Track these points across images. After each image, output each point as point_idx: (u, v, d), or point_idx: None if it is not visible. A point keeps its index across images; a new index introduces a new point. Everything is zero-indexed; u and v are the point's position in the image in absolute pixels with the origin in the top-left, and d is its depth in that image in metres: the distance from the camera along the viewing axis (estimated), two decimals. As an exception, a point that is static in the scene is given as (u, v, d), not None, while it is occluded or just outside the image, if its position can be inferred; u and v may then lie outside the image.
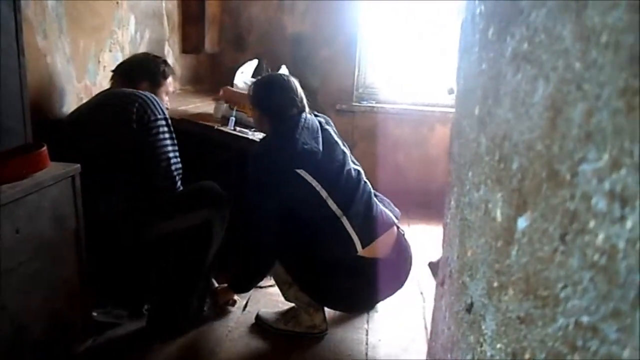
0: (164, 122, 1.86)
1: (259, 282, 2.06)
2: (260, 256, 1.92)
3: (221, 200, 1.91)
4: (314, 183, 1.82)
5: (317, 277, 1.87)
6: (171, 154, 1.87)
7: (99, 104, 1.88)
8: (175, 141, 1.90)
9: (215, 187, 1.92)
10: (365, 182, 1.96)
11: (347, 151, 2.01)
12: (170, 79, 2.11)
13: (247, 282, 2.00)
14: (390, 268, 1.91)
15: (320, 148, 1.88)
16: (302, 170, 1.83)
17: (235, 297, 2.10)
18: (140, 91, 1.88)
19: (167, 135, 1.86)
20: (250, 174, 1.89)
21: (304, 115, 1.94)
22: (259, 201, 1.87)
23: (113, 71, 2.05)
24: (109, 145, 1.79)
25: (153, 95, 1.90)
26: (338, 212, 1.83)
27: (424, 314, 2.17)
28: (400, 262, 1.98)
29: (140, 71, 2.01)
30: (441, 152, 3.48)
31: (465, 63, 0.89)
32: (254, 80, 2.14)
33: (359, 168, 1.99)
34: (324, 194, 1.82)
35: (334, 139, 1.99)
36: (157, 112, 1.84)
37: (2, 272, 1.23)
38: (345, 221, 1.83)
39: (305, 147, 1.84)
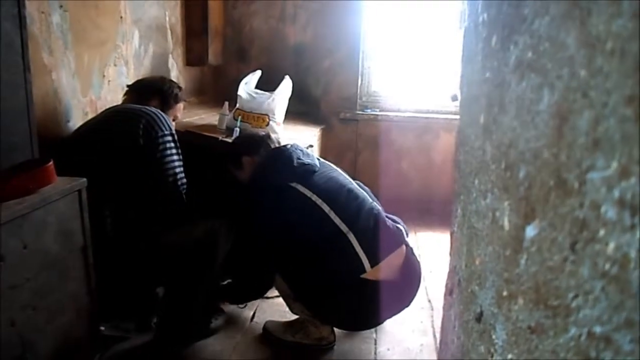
0: (170, 138, 1.86)
1: (254, 299, 2.11)
2: (258, 276, 1.94)
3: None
4: (314, 197, 1.79)
5: (319, 298, 1.82)
6: (177, 170, 1.88)
7: (106, 120, 1.89)
8: (181, 156, 1.91)
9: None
10: (372, 200, 1.92)
11: (349, 178, 2.01)
12: (180, 105, 2.15)
13: (243, 298, 2.06)
14: (396, 290, 1.83)
15: (317, 164, 1.89)
16: (297, 184, 1.82)
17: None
18: (148, 107, 1.90)
19: (174, 151, 1.87)
20: (248, 197, 1.90)
21: (292, 143, 2.00)
22: (258, 222, 1.86)
23: (128, 86, 2.10)
24: (116, 162, 1.79)
25: (160, 111, 1.91)
26: (344, 227, 1.76)
27: (432, 323, 2.16)
28: (406, 284, 1.89)
29: (153, 89, 2.05)
30: (446, 159, 3.48)
31: (469, 71, 0.89)
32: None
33: (365, 190, 1.98)
34: (325, 207, 1.78)
35: (332, 166, 2.01)
36: (164, 128, 1.84)
37: (10, 287, 1.23)
38: (352, 238, 1.75)
39: (299, 160, 1.85)
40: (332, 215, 1.78)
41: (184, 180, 1.91)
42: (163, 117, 1.88)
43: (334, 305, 1.82)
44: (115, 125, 1.84)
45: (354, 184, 1.96)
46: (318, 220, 1.78)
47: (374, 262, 1.77)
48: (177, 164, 1.88)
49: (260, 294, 2.06)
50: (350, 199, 1.85)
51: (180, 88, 2.13)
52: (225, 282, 2.16)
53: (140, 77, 2.54)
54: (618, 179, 0.39)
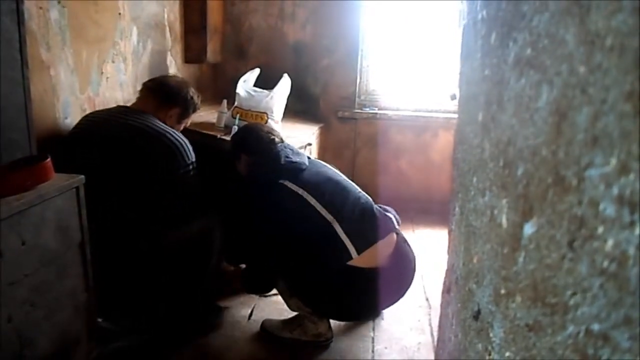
0: (190, 167, 1.88)
1: (265, 290, 2.10)
2: (260, 271, 1.96)
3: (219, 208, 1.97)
4: (300, 191, 1.84)
5: (315, 291, 1.84)
6: (190, 195, 1.91)
7: (127, 139, 1.81)
8: (198, 177, 1.93)
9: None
10: (359, 191, 1.97)
11: (339, 172, 2.06)
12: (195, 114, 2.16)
13: (253, 288, 2.08)
14: (390, 278, 1.86)
15: (306, 162, 1.94)
16: (286, 180, 1.86)
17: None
18: (174, 133, 1.87)
19: (190, 180, 1.89)
20: (247, 193, 1.92)
21: (283, 142, 2.04)
22: (258, 217, 1.88)
23: (148, 85, 2.03)
24: (130, 177, 1.79)
25: (184, 139, 1.90)
26: (329, 217, 1.81)
27: (430, 321, 2.16)
28: (400, 271, 1.93)
29: (179, 97, 2.01)
30: (444, 158, 3.48)
31: (468, 69, 0.89)
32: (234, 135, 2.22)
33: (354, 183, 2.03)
34: (312, 200, 1.82)
35: (321, 163, 2.06)
36: (186, 159, 1.86)
37: (9, 284, 1.23)
38: (337, 226, 1.80)
39: (287, 159, 1.90)
40: (318, 206, 1.82)
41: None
42: (186, 148, 1.87)
43: (329, 296, 1.84)
44: (136, 150, 1.80)
45: (342, 177, 2.01)
46: (306, 213, 1.82)
47: (361, 249, 1.80)
48: (195, 189, 1.91)
49: (266, 288, 2.07)
50: (336, 189, 1.90)
51: (199, 96, 2.12)
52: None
53: (143, 74, 2.54)
54: (617, 175, 0.38)
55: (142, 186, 1.80)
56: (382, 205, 2.04)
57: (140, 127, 1.84)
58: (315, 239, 1.81)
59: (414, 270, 1.98)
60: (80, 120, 1.91)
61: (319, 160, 2.09)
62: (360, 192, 1.98)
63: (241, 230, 1.97)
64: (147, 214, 1.82)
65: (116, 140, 1.81)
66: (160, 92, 1.99)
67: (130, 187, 1.79)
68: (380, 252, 1.86)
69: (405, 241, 1.99)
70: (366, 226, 1.86)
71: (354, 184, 2.02)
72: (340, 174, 2.05)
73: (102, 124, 1.86)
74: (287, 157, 1.92)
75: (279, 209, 1.84)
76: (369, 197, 1.99)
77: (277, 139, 2.03)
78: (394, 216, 2.02)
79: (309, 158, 2.05)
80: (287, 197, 1.83)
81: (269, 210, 1.84)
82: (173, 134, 1.87)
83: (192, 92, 2.07)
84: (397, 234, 1.96)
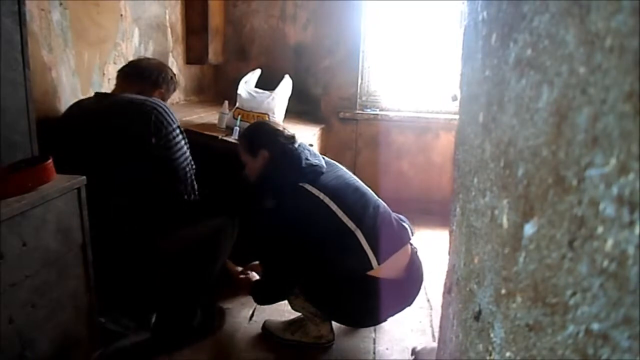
0: (178, 131, 1.85)
1: (277, 301, 2.00)
2: (279, 284, 1.90)
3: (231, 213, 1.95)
4: (321, 196, 1.79)
5: (325, 294, 1.82)
6: (188, 158, 1.89)
7: (112, 114, 1.80)
8: (187, 143, 1.91)
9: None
10: (377, 198, 1.93)
11: (355, 176, 2.02)
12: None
13: (266, 299, 1.98)
14: (401, 289, 1.85)
15: (324, 165, 1.90)
16: (306, 184, 1.81)
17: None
18: (153, 99, 1.85)
19: (182, 143, 1.87)
20: (257, 199, 1.89)
21: (300, 142, 1.98)
22: (263, 219, 1.86)
23: (123, 69, 2.01)
24: (125, 157, 1.77)
25: (164, 102, 1.88)
26: (352, 225, 1.76)
27: (431, 322, 2.15)
28: (410, 283, 1.91)
29: (160, 78, 2.01)
30: (445, 159, 3.48)
31: (469, 70, 0.89)
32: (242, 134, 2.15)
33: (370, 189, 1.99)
34: (333, 206, 1.77)
35: (337, 165, 2.01)
36: (171, 121, 1.82)
37: (10, 285, 1.23)
38: (360, 235, 1.75)
39: (307, 161, 1.85)
40: (340, 213, 1.77)
41: (192, 165, 1.93)
42: (168, 110, 1.85)
43: (340, 302, 1.82)
44: (124, 125, 1.78)
45: (359, 182, 1.97)
46: (326, 218, 1.77)
47: (381, 260, 1.77)
48: (187, 154, 1.89)
49: (282, 298, 2.00)
50: (356, 197, 1.86)
51: (176, 74, 2.12)
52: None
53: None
54: (617, 175, 0.39)
55: (140, 160, 1.78)
56: (397, 214, 2.00)
57: (118, 102, 1.82)
58: (335, 246, 1.77)
59: (422, 281, 1.96)
60: (60, 119, 1.88)
61: (334, 162, 2.03)
62: (377, 199, 1.94)
63: (249, 233, 1.95)
64: (148, 210, 1.81)
65: (98, 121, 1.79)
66: (140, 77, 1.98)
67: (127, 164, 1.77)
68: (396, 264, 1.83)
69: (416, 253, 1.96)
70: (386, 236, 1.81)
71: (370, 189, 1.98)
72: (357, 178, 2.00)
73: (80, 116, 1.83)
74: (307, 159, 1.87)
75: (297, 212, 1.79)
76: (386, 205, 1.95)
77: (296, 137, 1.98)
78: (409, 226, 1.98)
79: (324, 158, 2.00)
80: (307, 201, 1.78)
81: (283, 213, 1.80)
82: (152, 100, 1.84)
83: (171, 71, 2.08)
84: (411, 245, 1.93)
